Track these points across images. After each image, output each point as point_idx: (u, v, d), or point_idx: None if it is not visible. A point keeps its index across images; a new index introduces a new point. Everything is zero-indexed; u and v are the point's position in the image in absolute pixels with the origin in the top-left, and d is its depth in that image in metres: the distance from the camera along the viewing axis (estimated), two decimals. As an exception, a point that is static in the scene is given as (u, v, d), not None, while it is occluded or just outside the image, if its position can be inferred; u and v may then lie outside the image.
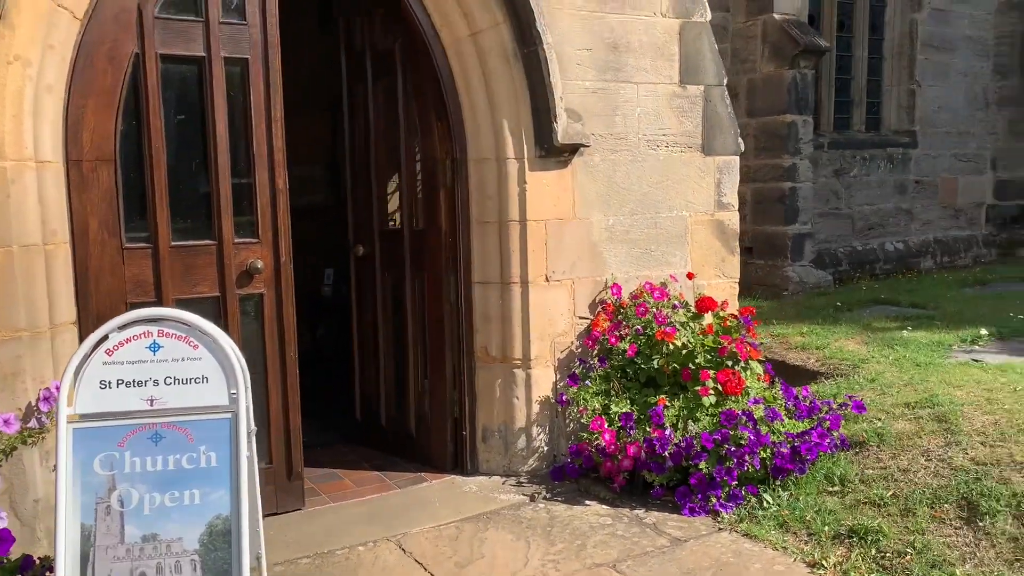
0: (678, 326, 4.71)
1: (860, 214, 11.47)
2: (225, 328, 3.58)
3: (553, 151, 4.58)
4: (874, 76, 11.80)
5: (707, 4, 5.18)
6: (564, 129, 4.54)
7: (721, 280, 5.36)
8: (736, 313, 4.90)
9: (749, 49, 9.95)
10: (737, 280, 5.47)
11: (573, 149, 4.66)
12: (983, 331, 6.39)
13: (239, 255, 4.02)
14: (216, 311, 3.92)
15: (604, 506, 4.35)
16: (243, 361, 2.85)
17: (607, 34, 4.78)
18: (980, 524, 3.63)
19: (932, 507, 3.81)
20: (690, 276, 5.12)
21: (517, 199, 4.59)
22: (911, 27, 11.56)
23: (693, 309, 4.84)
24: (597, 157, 4.82)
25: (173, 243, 3.85)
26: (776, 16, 9.62)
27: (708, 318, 4.82)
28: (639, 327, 4.70)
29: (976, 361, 5.89)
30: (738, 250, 5.49)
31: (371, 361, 5.31)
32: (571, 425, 4.79)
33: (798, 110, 9.70)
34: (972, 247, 12.48)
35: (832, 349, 6.26)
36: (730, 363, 4.57)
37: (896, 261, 11.68)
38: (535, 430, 4.75)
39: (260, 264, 4.04)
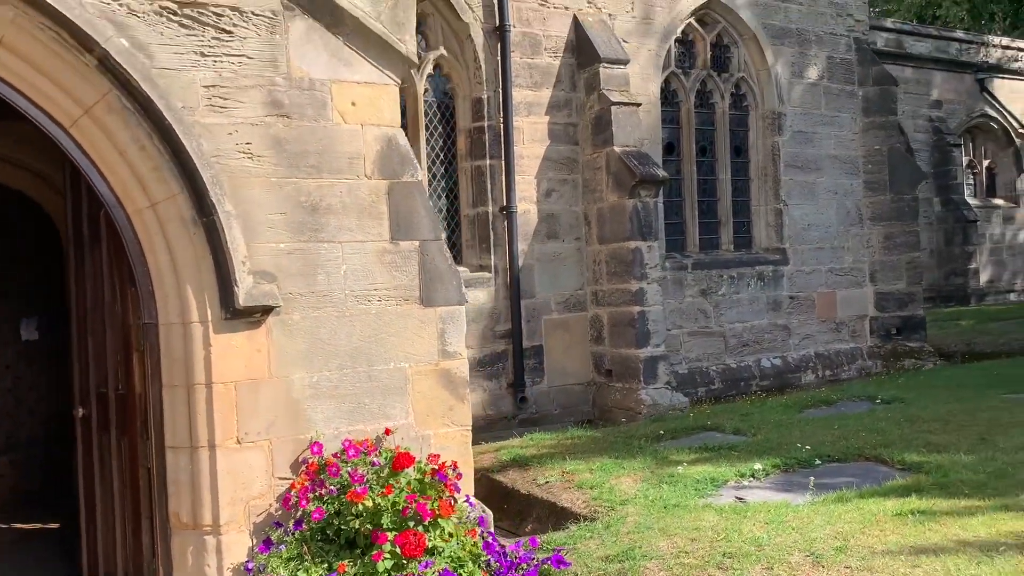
0: (372, 485, 4.67)
1: (732, 332, 11.53)
2: None
3: (239, 313, 4.65)
4: (743, 197, 12.10)
5: (417, 164, 5.36)
6: (248, 292, 4.62)
7: (450, 429, 5.35)
8: (437, 468, 4.86)
9: (596, 180, 10.24)
10: (468, 427, 5.44)
11: (265, 310, 4.74)
12: (757, 465, 6.33)
13: None
14: None
15: None
16: None
17: (304, 198, 4.93)
18: None
19: None
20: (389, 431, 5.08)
21: (203, 362, 4.63)
22: (773, 149, 11.93)
23: (390, 467, 4.81)
24: (297, 315, 4.89)
25: None
26: (616, 149, 9.95)
27: (409, 474, 4.78)
28: (334, 488, 4.66)
29: (739, 500, 5.83)
30: (468, 398, 5.48)
31: (91, 522, 5.24)
32: (270, 591, 4.68)
33: (642, 236, 9.90)
34: (856, 359, 12.49)
35: (606, 488, 6.19)
36: (412, 523, 4.51)
37: (774, 377, 11.69)
38: (230, 598, 4.65)
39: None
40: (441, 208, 10.03)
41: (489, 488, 6.82)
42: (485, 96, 9.84)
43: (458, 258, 10.10)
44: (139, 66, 4.41)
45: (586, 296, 10.49)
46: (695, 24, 11.44)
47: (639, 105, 10.22)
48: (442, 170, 10.04)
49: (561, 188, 10.34)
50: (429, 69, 9.79)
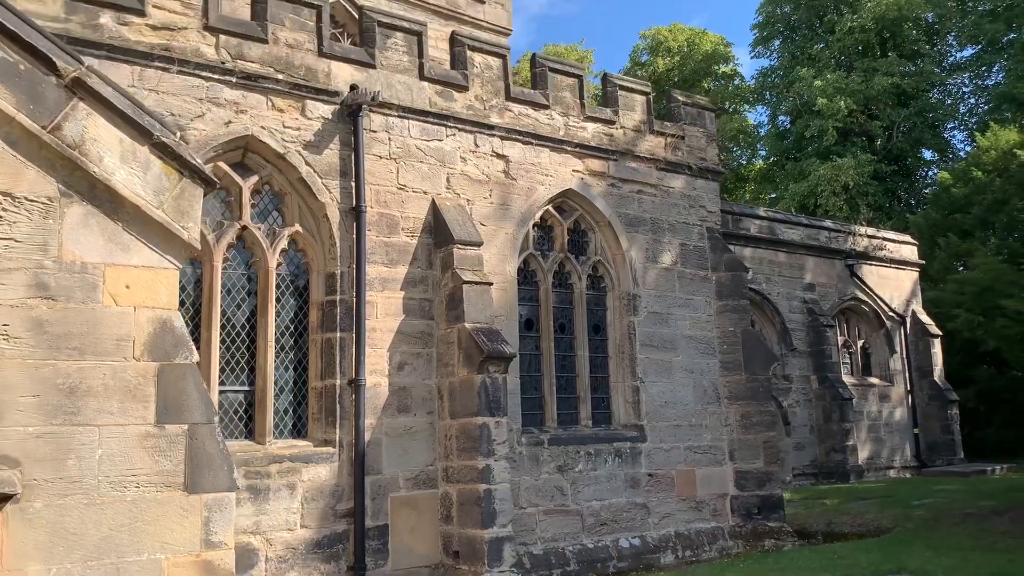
0: None
1: (590, 510, 11.45)
2: None
3: (-30, 501, 4.46)
4: (603, 372, 12.36)
5: (193, 347, 5.39)
6: (-19, 479, 4.46)
7: (211, 626, 5.08)
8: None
9: (449, 354, 10.38)
10: (230, 625, 5.19)
11: (2, 497, 4.55)
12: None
13: None
14: None
15: None
16: None
17: (62, 380, 4.87)
18: None
19: None
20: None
21: (-79, 554, 4.38)
22: (630, 329, 12.34)
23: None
24: (40, 503, 4.71)
25: None
26: (468, 325, 10.17)
27: None
28: None
29: None
30: (232, 592, 5.26)
31: None
32: None
33: (490, 412, 9.95)
34: (717, 539, 12.44)
35: None
36: None
37: (632, 558, 11.52)
38: None
39: None
40: (288, 380, 9.97)
41: None
42: (339, 272, 10.06)
43: (303, 432, 9.96)
44: None
45: (437, 472, 10.36)
46: (553, 211, 12.08)
47: (491, 284, 10.57)
48: (291, 342, 10.06)
49: (415, 362, 10.43)
50: (283, 244, 10.02)
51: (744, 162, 39.49)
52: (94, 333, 5.01)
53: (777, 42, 37.04)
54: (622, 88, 13.06)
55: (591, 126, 12.52)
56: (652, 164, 13.08)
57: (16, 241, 4.86)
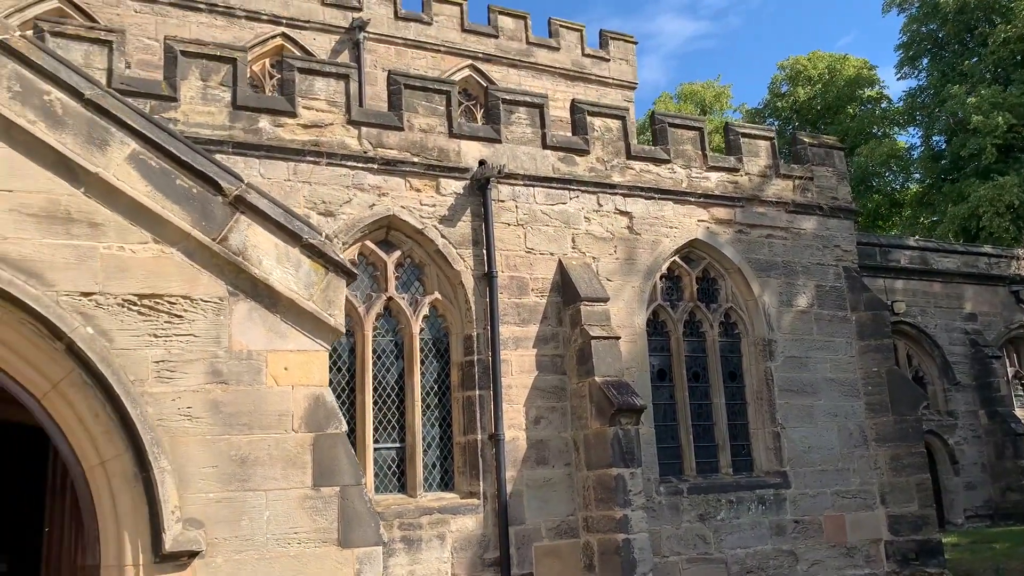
0: None
1: (734, 558, 11.48)
2: None
3: (167, 557, 5.35)
4: (742, 419, 12.42)
5: (342, 418, 6.16)
6: (175, 538, 5.35)
7: (362, 667, 5.74)
8: None
9: (582, 408, 10.85)
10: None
11: (191, 554, 5.43)
12: None
13: None
14: None
15: None
16: None
17: (234, 452, 5.74)
18: None
19: None
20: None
21: (131, 602, 5.30)
22: (767, 374, 12.36)
23: None
24: (220, 559, 5.55)
25: None
26: (598, 379, 10.62)
27: None
28: None
29: None
30: (380, 637, 5.91)
31: None
32: None
33: (624, 463, 10.30)
34: (873, 588, 12.09)
35: None
36: None
37: (781, 607, 11.41)
38: None
39: None
40: (434, 436, 10.74)
41: None
42: (475, 333, 10.79)
43: (449, 485, 10.67)
44: (99, 349, 5.45)
45: (577, 522, 10.77)
46: (680, 261, 12.37)
47: (619, 338, 10.98)
48: (436, 400, 10.84)
49: (550, 415, 10.96)
50: (425, 311, 10.88)
51: (898, 187, 37.81)
52: (260, 410, 5.87)
53: (925, 60, 35.47)
54: (744, 135, 13.25)
55: (714, 175, 12.77)
56: (780, 207, 13.13)
57: (195, 336, 5.81)
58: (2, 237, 5.40)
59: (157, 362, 5.66)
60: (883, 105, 38.06)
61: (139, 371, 5.59)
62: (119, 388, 5.42)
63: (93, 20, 14.36)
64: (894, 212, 36.54)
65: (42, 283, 5.42)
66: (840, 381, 12.81)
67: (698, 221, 12.47)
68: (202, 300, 5.88)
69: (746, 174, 13.01)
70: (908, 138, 53.16)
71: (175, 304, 5.79)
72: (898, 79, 45.27)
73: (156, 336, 5.70)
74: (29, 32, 12.12)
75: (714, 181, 12.73)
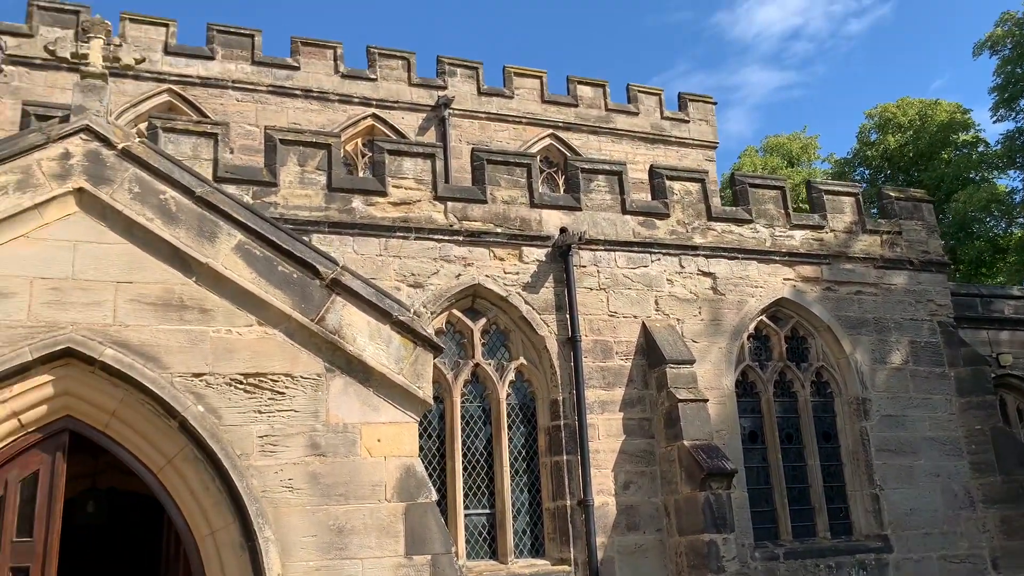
0: None
1: (837, 628, 11.08)
2: None
3: (269, 622, 5.66)
4: (838, 481, 12.12)
5: (432, 488, 6.41)
6: (277, 604, 5.66)
7: None
8: None
9: (672, 472, 10.82)
10: None
11: (294, 619, 5.72)
12: None
13: None
14: None
15: None
16: None
17: (332, 521, 6.05)
18: None
19: None
20: None
21: (237, 666, 5.60)
22: (862, 434, 12.06)
23: None
24: (321, 624, 5.82)
25: None
26: (686, 443, 10.60)
27: None
28: None
29: None
30: None
31: None
32: None
33: (716, 529, 10.18)
34: (991, 661, 11.44)
35: None
36: None
37: None
38: None
39: None
40: (524, 502, 10.86)
41: None
42: (561, 398, 10.95)
43: (540, 551, 10.73)
44: (209, 426, 5.89)
45: (671, 589, 10.64)
46: (767, 321, 12.29)
47: (706, 400, 10.95)
48: (524, 466, 11.00)
49: (639, 480, 10.95)
50: (512, 376, 11.13)
51: (1000, 232, 36.34)
52: (355, 481, 6.18)
53: (1022, 102, 34.38)
54: (828, 192, 13.19)
55: (799, 233, 12.72)
56: (869, 263, 12.94)
57: (295, 411, 6.20)
58: (123, 324, 5.94)
59: (261, 436, 6.05)
60: (980, 149, 36.89)
61: (245, 445, 5.99)
62: (227, 462, 5.83)
63: (200, 111, 15.50)
64: (998, 258, 35.05)
65: (159, 366, 5.92)
66: (941, 440, 12.36)
67: (784, 280, 12.41)
68: (302, 377, 6.28)
69: (831, 231, 12.91)
70: (1008, 181, 51.07)
71: (277, 382, 6.21)
72: (994, 122, 43.72)
73: (260, 412, 6.11)
74: (143, 125, 13.24)
75: (798, 239, 12.68)
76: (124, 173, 6.15)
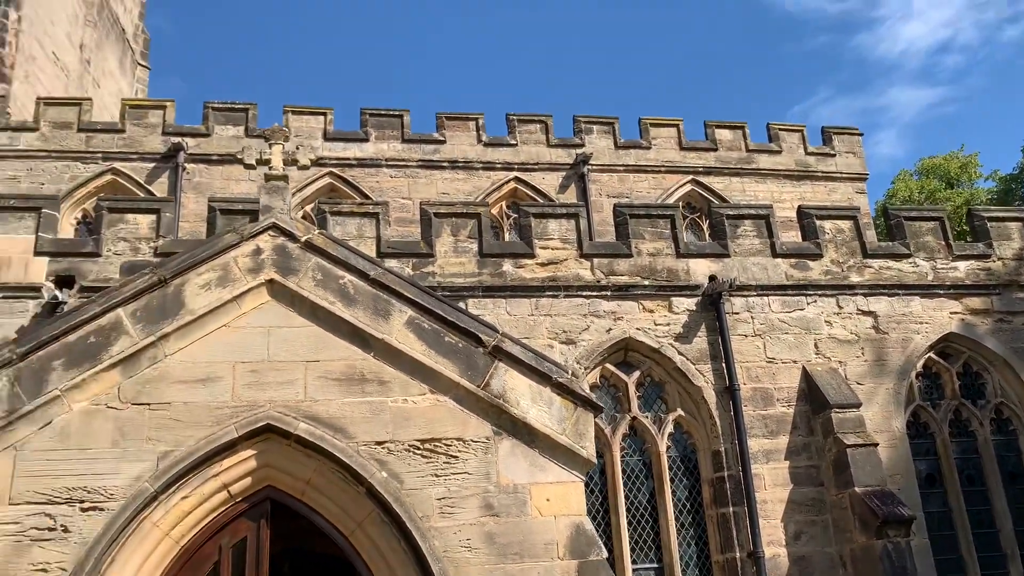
0: None
1: None
2: None
3: None
4: (1032, 527, 11.29)
5: (602, 544, 6.58)
6: (464, 660, 5.98)
7: None
8: None
9: (844, 520, 10.47)
10: None
11: (478, 675, 6.02)
12: None
13: None
14: None
15: None
16: None
17: (508, 581, 6.34)
18: None
19: None
20: None
21: None
22: (1055, 476, 11.22)
23: None
24: None
25: None
26: (858, 489, 10.25)
27: None
28: None
29: None
30: None
31: None
32: None
33: (897, 582, 9.73)
34: None
35: None
36: None
37: None
38: None
39: None
40: (691, 555, 10.78)
41: None
42: (723, 448, 10.86)
43: (712, 604, 10.58)
44: (392, 490, 6.37)
45: (853, 643, 10.21)
46: (936, 357, 11.74)
47: (876, 444, 10.56)
48: (689, 519, 10.93)
49: (810, 530, 10.64)
50: (670, 428, 11.15)
51: None
52: (528, 540, 6.46)
53: None
54: (991, 219, 12.56)
55: (962, 264, 12.15)
56: (1045, 290, 12.15)
57: (469, 474, 6.58)
58: (313, 400, 6.55)
59: (439, 499, 6.46)
60: None
61: (425, 508, 6.41)
62: (411, 524, 6.26)
63: (359, 189, 16.63)
64: None
65: (345, 436, 6.48)
66: None
67: (951, 314, 11.85)
68: (472, 441, 6.68)
69: (999, 259, 12.25)
70: None
71: (451, 446, 6.63)
72: None
73: (437, 475, 6.53)
74: (310, 208, 14.35)
75: (963, 270, 12.10)
76: (308, 263, 6.84)
